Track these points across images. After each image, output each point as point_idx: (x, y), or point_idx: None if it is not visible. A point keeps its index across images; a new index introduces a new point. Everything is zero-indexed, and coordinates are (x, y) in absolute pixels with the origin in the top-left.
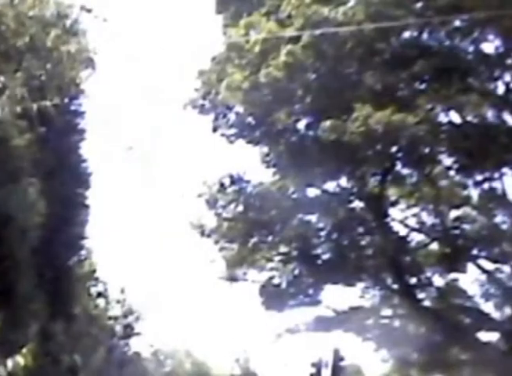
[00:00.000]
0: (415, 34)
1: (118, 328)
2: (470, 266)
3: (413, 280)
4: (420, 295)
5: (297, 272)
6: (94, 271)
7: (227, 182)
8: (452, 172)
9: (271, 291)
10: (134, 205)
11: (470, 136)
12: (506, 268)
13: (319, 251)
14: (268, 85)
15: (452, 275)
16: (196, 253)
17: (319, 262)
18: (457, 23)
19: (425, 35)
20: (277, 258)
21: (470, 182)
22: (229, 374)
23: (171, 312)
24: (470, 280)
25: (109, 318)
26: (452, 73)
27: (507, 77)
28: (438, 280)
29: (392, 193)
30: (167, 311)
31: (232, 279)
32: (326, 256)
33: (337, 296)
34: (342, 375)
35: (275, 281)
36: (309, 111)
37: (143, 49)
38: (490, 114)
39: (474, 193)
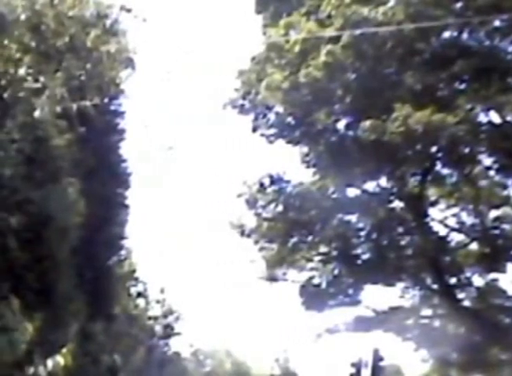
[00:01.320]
0: (455, 34)
1: (158, 328)
2: (510, 266)
3: (453, 280)
4: (460, 295)
5: (336, 272)
6: (134, 271)
7: (267, 182)
8: (491, 172)
9: (311, 291)
10: (174, 205)
11: (509, 136)
12: None
13: (358, 251)
14: (307, 85)
15: (492, 275)
16: (235, 253)
17: (359, 261)
18: (497, 23)
19: (465, 35)
20: (317, 258)
21: (509, 182)
22: (269, 374)
23: (211, 312)
24: (510, 279)
25: (149, 318)
26: (492, 73)
27: None
28: (478, 280)
29: (432, 193)
30: (207, 311)
31: (272, 279)
32: (365, 256)
33: (377, 296)
34: (382, 375)
35: (315, 281)
36: (349, 111)
37: (183, 49)
38: None
39: None
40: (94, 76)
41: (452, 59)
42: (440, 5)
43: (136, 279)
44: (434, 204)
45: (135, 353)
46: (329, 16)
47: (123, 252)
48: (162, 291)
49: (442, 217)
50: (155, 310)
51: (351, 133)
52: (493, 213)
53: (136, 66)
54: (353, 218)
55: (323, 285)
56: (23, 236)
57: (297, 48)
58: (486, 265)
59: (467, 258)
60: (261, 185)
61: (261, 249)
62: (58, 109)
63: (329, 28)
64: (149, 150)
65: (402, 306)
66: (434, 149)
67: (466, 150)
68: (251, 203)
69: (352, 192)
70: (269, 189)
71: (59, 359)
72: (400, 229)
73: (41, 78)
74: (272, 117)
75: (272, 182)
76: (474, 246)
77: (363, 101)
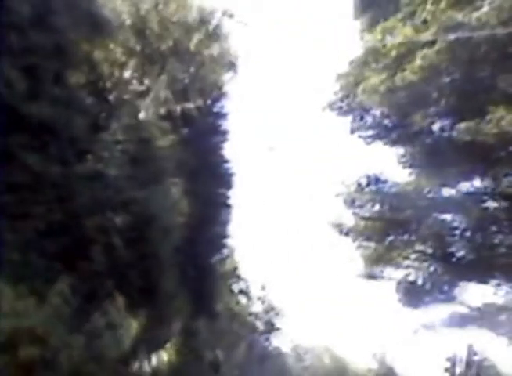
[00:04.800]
0: None
1: (259, 324)
2: None
3: None
4: None
5: (432, 269)
6: (236, 269)
7: (364, 182)
8: None
9: (407, 288)
10: (275, 204)
11: None
12: None
13: (453, 249)
14: (404, 88)
15: None
16: (334, 251)
17: (454, 259)
18: None
19: None
20: (413, 256)
21: None
22: (367, 369)
23: (311, 309)
24: None
25: (250, 314)
26: None
27: None
28: None
29: None
30: (307, 307)
31: (370, 276)
32: (460, 254)
33: (471, 293)
34: (476, 370)
35: (411, 278)
36: (444, 113)
37: (284, 53)
38: None
39: None
40: (197, 79)
41: None
42: None
43: (238, 276)
44: None
45: (236, 349)
46: (424, 22)
47: (225, 251)
48: (263, 288)
49: None
50: (256, 307)
51: (446, 135)
52: None
53: (238, 69)
54: (448, 217)
55: (419, 282)
56: (128, 236)
57: (393, 53)
58: None
59: None
60: (359, 185)
61: (359, 247)
62: (162, 111)
63: (425, 33)
64: (252, 150)
65: (495, 303)
66: None
67: None
68: (349, 202)
69: (447, 192)
70: (367, 189)
71: (163, 355)
72: (493, 228)
73: (146, 81)
74: (369, 119)
75: (370, 183)
76: None
77: (458, 104)
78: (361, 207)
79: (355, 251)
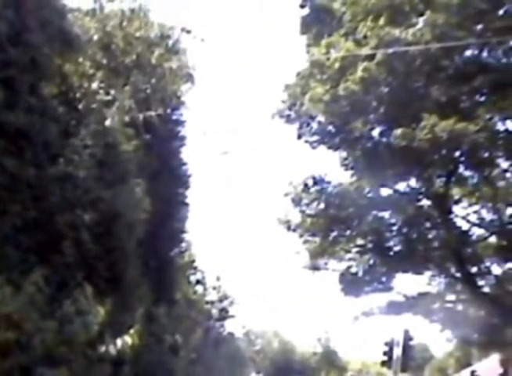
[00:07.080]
0: (475, 52)
1: (214, 311)
2: None
3: (474, 269)
4: (480, 282)
5: (371, 262)
6: (193, 261)
7: (310, 182)
8: (508, 174)
9: (349, 279)
10: (228, 203)
11: None
12: None
13: (391, 243)
14: (346, 98)
15: (509, 264)
16: (282, 245)
17: (391, 253)
18: None
19: (484, 53)
20: (354, 250)
21: None
22: (312, 352)
23: (261, 298)
24: None
25: (207, 302)
26: (508, 87)
27: None
28: (496, 269)
29: (456, 192)
30: (258, 296)
31: (315, 268)
32: (397, 248)
33: (407, 283)
34: (411, 353)
35: (353, 270)
36: (382, 120)
37: (236, 66)
38: None
39: None
40: (158, 89)
41: (473, 75)
42: (462, 27)
43: (195, 268)
44: (457, 202)
45: (193, 334)
46: (365, 37)
47: (183, 245)
48: (218, 279)
49: (465, 213)
50: (212, 295)
51: (384, 140)
52: (510, 210)
53: (195, 80)
54: (386, 214)
55: (360, 273)
56: (95, 231)
57: (336, 65)
58: (503, 256)
59: (487, 249)
60: (305, 185)
61: (305, 242)
62: (126, 118)
63: (365, 47)
64: (207, 154)
65: (429, 292)
66: (457, 153)
67: (486, 155)
68: (296, 201)
69: (385, 191)
70: (312, 189)
71: (127, 339)
72: (427, 225)
73: (112, 91)
74: (314, 125)
75: (315, 183)
76: (492, 239)
77: (395, 111)
78: (307, 205)
79: (301, 245)
